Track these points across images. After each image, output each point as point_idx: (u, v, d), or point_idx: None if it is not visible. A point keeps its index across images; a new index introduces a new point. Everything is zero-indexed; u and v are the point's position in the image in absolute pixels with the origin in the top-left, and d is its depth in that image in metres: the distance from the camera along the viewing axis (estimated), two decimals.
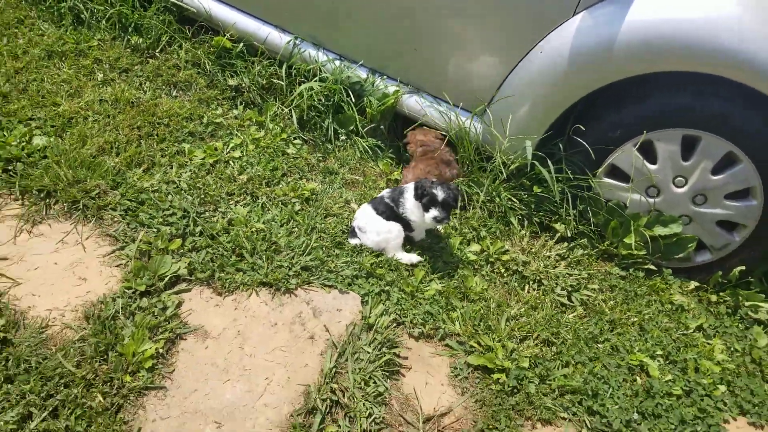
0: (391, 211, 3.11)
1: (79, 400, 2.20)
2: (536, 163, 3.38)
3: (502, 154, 3.42)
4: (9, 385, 2.19)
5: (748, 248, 3.35)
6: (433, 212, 2.96)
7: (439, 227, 3.33)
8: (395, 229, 3.09)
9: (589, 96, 3.17)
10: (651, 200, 3.37)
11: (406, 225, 3.14)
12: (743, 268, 3.37)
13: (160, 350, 2.43)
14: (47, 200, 2.85)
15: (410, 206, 3.09)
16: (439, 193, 2.94)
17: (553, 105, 3.27)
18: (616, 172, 3.40)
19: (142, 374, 2.34)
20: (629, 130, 3.23)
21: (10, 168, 2.91)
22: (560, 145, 3.42)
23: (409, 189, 3.09)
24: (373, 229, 3.07)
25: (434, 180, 3.09)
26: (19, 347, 2.30)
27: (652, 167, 3.27)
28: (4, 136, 3.01)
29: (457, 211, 3.44)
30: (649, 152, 3.26)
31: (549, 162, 3.37)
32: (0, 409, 2.14)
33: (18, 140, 3.01)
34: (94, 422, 2.16)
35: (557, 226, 3.50)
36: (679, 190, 3.29)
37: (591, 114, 3.30)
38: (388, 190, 3.21)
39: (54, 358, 2.29)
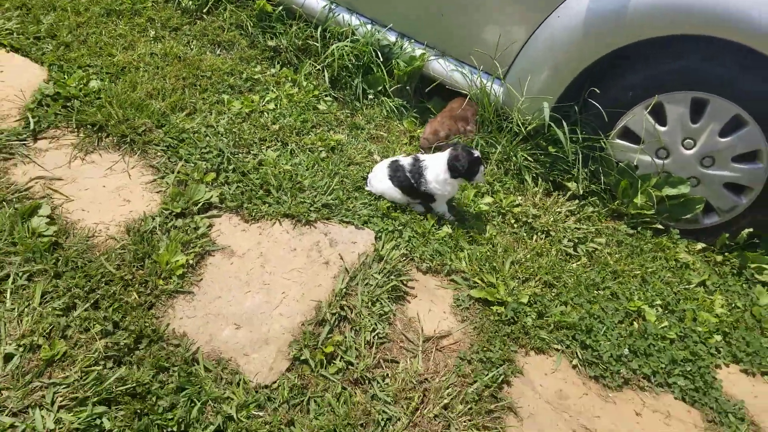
0: (409, 185, 3.22)
1: (117, 296, 2.52)
2: (552, 124, 3.57)
3: (519, 115, 3.62)
4: (57, 280, 2.52)
5: (755, 211, 3.47)
6: (482, 170, 3.20)
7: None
8: (395, 194, 3.28)
9: (604, 59, 3.33)
10: (660, 162, 3.52)
11: (427, 197, 3.26)
12: (751, 230, 3.48)
13: (191, 262, 2.73)
14: (99, 134, 3.19)
15: (437, 182, 3.17)
16: (476, 152, 3.14)
17: (569, 68, 3.45)
18: (627, 134, 3.56)
19: (174, 280, 2.65)
20: (641, 93, 3.39)
21: (68, 105, 3.27)
22: (575, 108, 3.59)
23: (431, 167, 3.17)
24: (378, 188, 3.31)
25: (457, 154, 3.12)
26: (68, 251, 2.63)
27: (662, 129, 3.42)
28: (65, 78, 3.38)
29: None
30: (659, 115, 3.41)
31: (564, 123, 3.55)
32: (49, 298, 2.47)
33: (76, 82, 3.37)
34: (129, 314, 2.47)
35: (569, 184, 3.67)
36: (688, 152, 3.43)
37: (605, 77, 3.45)
38: (408, 159, 3.29)
39: (97, 261, 2.62)
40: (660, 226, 3.62)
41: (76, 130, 3.18)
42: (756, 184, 3.37)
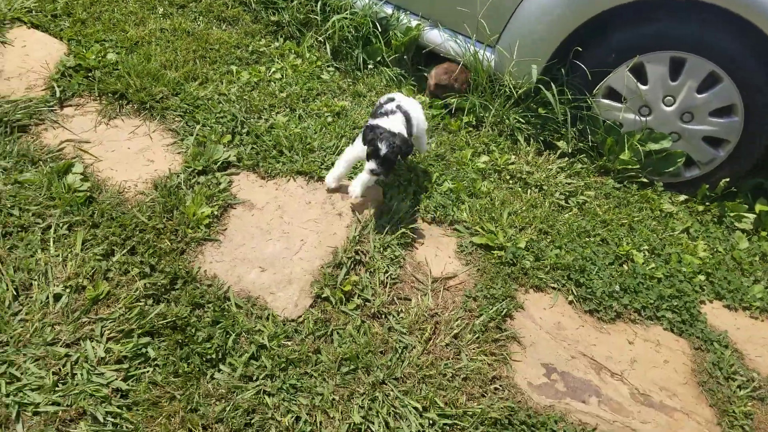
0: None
1: (151, 243, 2.73)
2: (541, 87, 3.81)
3: (510, 78, 3.86)
4: (95, 230, 2.73)
5: (732, 162, 3.74)
6: (371, 164, 2.89)
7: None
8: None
9: (589, 22, 3.56)
10: (643, 119, 3.78)
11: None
12: (728, 179, 3.75)
13: (215, 213, 2.95)
14: (120, 101, 3.39)
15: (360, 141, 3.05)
16: (382, 147, 2.84)
17: (556, 32, 3.67)
18: (612, 94, 3.81)
19: (201, 229, 2.86)
20: (623, 54, 3.63)
21: (89, 75, 3.46)
22: (562, 71, 3.82)
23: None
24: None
25: (386, 131, 2.91)
26: (102, 204, 2.84)
27: (644, 88, 3.67)
28: (84, 51, 3.57)
29: (404, 161, 3.28)
30: (641, 74, 3.66)
31: (552, 86, 3.79)
32: (89, 245, 2.68)
33: (95, 55, 3.56)
34: (163, 259, 2.69)
35: (559, 143, 3.92)
36: (669, 109, 3.68)
37: (590, 40, 3.69)
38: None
39: (130, 213, 2.83)
40: (645, 180, 3.87)
41: (98, 98, 3.38)
42: (732, 136, 3.64)
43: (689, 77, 3.54)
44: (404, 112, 3.15)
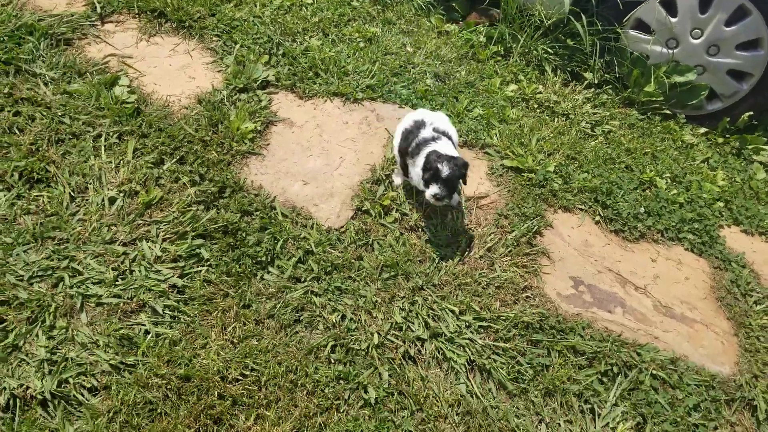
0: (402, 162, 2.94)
1: (199, 153, 2.83)
2: (571, 18, 3.86)
3: (542, 8, 3.90)
4: (145, 139, 2.83)
5: (755, 95, 3.81)
6: (434, 189, 2.63)
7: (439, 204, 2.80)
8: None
9: None
10: (670, 51, 3.83)
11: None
12: (752, 113, 3.83)
13: (258, 128, 3.04)
14: (159, 19, 3.44)
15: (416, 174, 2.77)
16: (444, 169, 2.59)
17: None
18: (640, 26, 3.85)
19: (245, 143, 2.96)
20: None
21: None
22: (593, 1, 3.86)
23: (422, 154, 2.72)
24: None
25: (441, 153, 2.65)
26: (149, 116, 2.92)
27: (673, 20, 3.71)
28: None
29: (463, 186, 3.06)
30: (670, 6, 3.70)
31: (582, 16, 3.83)
32: (140, 154, 2.77)
33: None
34: (211, 169, 2.79)
35: (586, 74, 3.99)
36: (696, 42, 3.74)
37: None
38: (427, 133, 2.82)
39: (177, 125, 2.92)
40: (668, 112, 3.95)
41: (137, 15, 3.43)
42: (757, 70, 3.70)
43: (719, 10, 3.58)
44: (445, 134, 2.85)
